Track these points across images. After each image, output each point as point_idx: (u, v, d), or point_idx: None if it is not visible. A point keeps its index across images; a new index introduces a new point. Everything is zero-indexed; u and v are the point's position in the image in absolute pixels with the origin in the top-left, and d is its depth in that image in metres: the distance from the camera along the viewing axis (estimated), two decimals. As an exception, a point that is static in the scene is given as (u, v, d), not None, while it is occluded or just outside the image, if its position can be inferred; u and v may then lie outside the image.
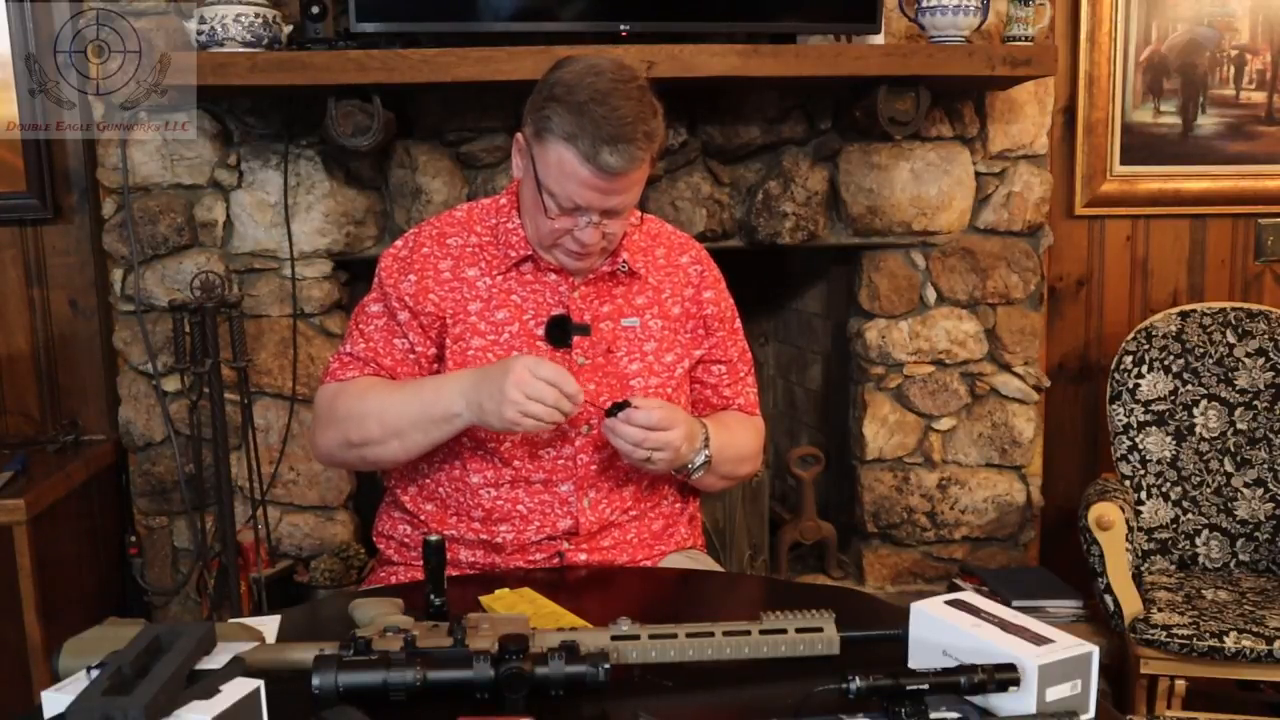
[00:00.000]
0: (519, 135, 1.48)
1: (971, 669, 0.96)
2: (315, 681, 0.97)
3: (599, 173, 1.38)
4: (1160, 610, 2.33)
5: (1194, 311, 2.66)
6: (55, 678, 0.98)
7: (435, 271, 1.53)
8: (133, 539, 2.52)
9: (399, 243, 1.59)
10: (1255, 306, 2.67)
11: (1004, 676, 0.96)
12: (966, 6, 2.35)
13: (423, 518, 1.56)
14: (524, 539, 1.50)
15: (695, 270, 1.63)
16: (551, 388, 1.33)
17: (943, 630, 1.05)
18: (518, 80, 2.24)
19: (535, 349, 1.50)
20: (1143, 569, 2.57)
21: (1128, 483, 2.62)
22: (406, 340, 1.53)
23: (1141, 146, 2.83)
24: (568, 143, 1.38)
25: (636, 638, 1.06)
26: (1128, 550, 2.39)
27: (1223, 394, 2.62)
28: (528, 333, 1.51)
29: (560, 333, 1.50)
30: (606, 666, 1.00)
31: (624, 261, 1.54)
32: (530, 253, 1.51)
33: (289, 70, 2.19)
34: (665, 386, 1.55)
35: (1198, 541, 2.60)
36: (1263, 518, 2.58)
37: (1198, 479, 2.61)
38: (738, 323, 1.69)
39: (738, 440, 1.61)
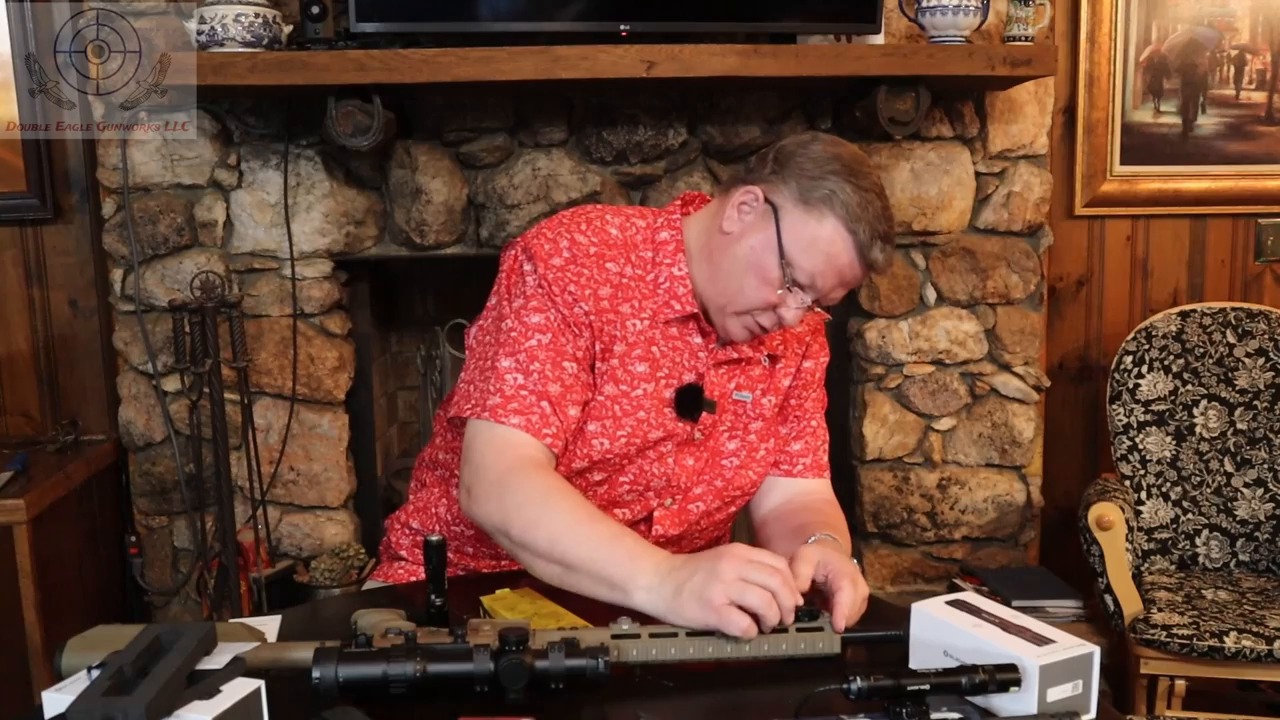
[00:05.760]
0: (753, 189, 1.33)
1: (972, 669, 0.96)
2: (315, 674, 0.95)
3: (862, 264, 1.31)
4: (1160, 610, 2.33)
5: (1194, 311, 2.66)
6: (56, 677, 0.97)
7: (596, 298, 1.35)
8: (133, 539, 2.52)
9: (549, 243, 1.36)
10: (1255, 306, 2.68)
11: (1005, 677, 0.96)
12: (966, 6, 2.35)
13: (469, 551, 1.47)
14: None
15: (809, 338, 1.53)
16: (770, 568, 1.10)
17: (943, 630, 1.05)
18: (518, 80, 2.25)
19: (660, 414, 1.38)
20: (1143, 569, 2.57)
21: (1128, 483, 2.62)
22: (576, 364, 1.33)
23: (1141, 146, 2.83)
24: (847, 225, 1.28)
25: (637, 636, 1.06)
26: (1128, 550, 2.39)
27: (1223, 394, 2.62)
28: (658, 394, 1.38)
29: (691, 404, 1.39)
30: (607, 659, 1.00)
31: (767, 355, 1.46)
32: (695, 311, 1.38)
33: (289, 70, 2.19)
34: (753, 468, 1.47)
35: (1198, 541, 2.60)
36: (1263, 518, 2.58)
37: (1198, 479, 2.61)
38: (822, 379, 1.56)
39: (845, 534, 1.45)
